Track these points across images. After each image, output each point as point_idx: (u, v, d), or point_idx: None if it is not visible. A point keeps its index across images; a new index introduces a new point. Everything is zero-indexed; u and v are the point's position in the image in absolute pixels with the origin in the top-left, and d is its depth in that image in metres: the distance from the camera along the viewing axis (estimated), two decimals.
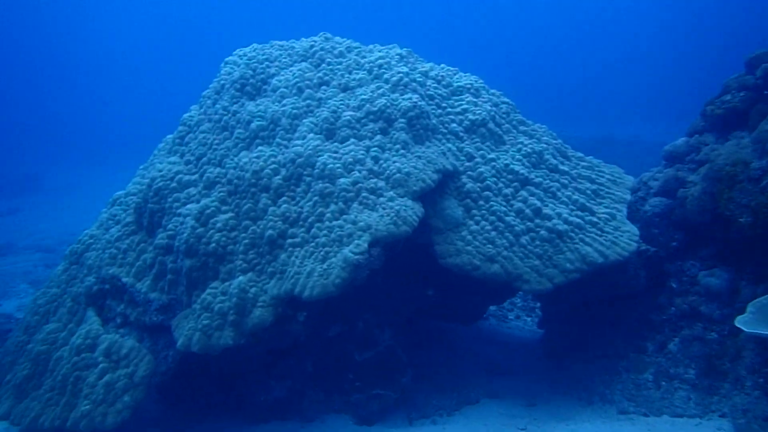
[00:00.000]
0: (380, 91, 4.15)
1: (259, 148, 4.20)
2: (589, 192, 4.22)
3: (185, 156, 4.56)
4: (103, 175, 25.54)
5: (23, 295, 8.78)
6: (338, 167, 3.93)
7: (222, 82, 4.57)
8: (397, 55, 4.49)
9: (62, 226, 15.84)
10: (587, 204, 4.08)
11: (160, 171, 4.42)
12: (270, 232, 3.87)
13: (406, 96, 4.10)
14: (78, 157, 29.40)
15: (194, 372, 4.00)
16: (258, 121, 4.25)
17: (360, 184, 3.86)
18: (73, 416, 3.50)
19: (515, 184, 4.06)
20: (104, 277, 4.30)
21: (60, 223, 16.46)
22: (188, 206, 4.21)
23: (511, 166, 4.11)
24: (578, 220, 3.92)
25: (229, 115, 4.41)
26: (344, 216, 3.78)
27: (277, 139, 4.19)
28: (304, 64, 4.41)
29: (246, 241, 3.93)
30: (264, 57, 4.51)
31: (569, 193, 4.14)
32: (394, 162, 3.96)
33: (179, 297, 4.02)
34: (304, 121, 4.14)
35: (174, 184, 4.36)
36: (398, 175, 3.89)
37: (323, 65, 4.43)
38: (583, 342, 4.22)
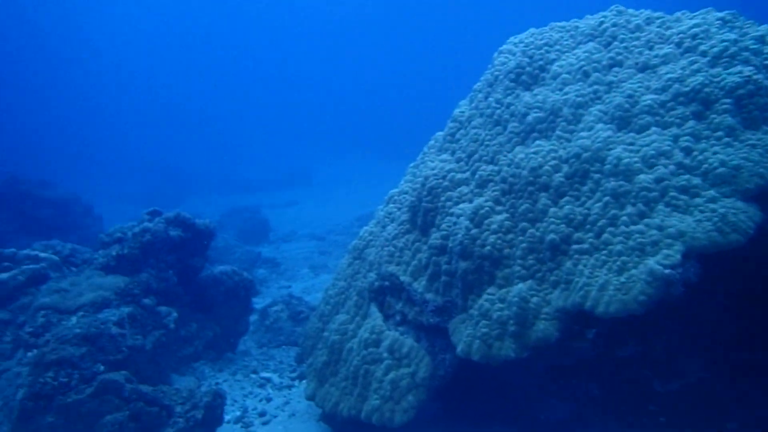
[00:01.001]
0: (694, 67, 3.37)
1: (537, 142, 3.84)
2: None
3: (456, 153, 4.48)
4: (362, 170, 28.62)
5: (306, 279, 10.21)
6: (636, 162, 3.31)
7: (495, 73, 4.34)
8: (717, 20, 3.59)
9: (329, 217, 18.18)
10: None
11: (433, 169, 4.43)
12: (551, 236, 3.49)
13: (734, 69, 3.24)
14: (341, 154, 33.63)
15: (472, 378, 3.90)
16: (535, 112, 3.89)
17: (666, 182, 3.19)
18: (365, 408, 3.72)
19: None
20: (384, 274, 4.51)
21: (327, 213, 18.93)
22: (461, 206, 4.12)
23: None
24: None
25: (503, 108, 4.16)
26: (645, 220, 3.17)
27: (558, 132, 3.77)
28: (590, 44, 3.88)
29: (524, 245, 3.64)
30: (542, 42, 4.13)
31: None
32: (715, 153, 3.16)
33: (454, 299, 3.96)
34: (591, 109, 3.63)
35: (446, 183, 4.32)
36: (722, 169, 3.09)
37: (615, 43, 3.82)
38: None
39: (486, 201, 3.96)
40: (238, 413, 4.86)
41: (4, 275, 5.39)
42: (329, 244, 13.48)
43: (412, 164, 5.24)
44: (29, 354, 4.41)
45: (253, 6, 54.55)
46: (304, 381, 5.51)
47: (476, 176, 4.17)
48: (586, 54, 3.80)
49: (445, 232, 4.13)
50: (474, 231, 3.87)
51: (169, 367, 5.44)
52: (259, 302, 8.25)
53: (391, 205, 5.06)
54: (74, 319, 4.72)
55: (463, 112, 4.59)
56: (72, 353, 4.28)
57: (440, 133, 4.89)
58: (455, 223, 4.05)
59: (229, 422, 4.68)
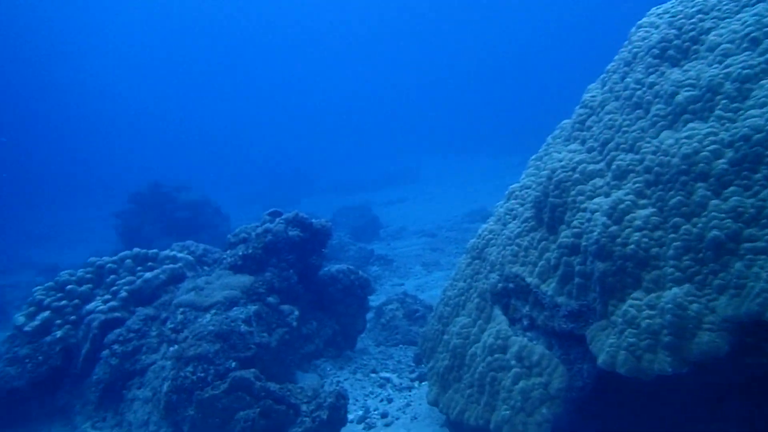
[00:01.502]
0: None
1: (690, 125, 3.32)
2: None
3: (587, 142, 4.06)
4: (469, 165, 28.12)
5: (419, 276, 10.12)
6: None
7: (634, 50, 3.85)
8: None
9: (438, 213, 18.01)
10: None
11: (560, 161, 4.05)
12: (714, 233, 2.98)
13: None
14: (448, 150, 33.37)
15: (614, 392, 3.49)
16: (687, 91, 3.37)
17: None
18: (494, 419, 3.48)
19: None
20: (507, 275, 4.23)
21: (436, 209, 18.78)
22: (596, 200, 3.70)
23: None
24: None
25: (644, 88, 3.67)
26: None
27: (717, 112, 3.22)
28: (760, 5, 3.27)
29: (677, 243, 3.16)
30: (694, 9, 3.57)
31: None
32: None
33: (591, 304, 3.57)
34: (763, 83, 3.04)
35: (576, 175, 3.92)
36: None
37: None
38: None
39: (626, 194, 3.52)
40: (360, 413, 4.86)
41: (149, 274, 5.90)
42: (440, 240, 13.31)
43: (533, 156, 4.87)
44: (171, 349, 4.75)
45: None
46: (424, 383, 5.38)
47: (613, 167, 3.73)
48: (755, 17, 3.20)
49: (577, 230, 3.75)
50: (613, 228, 3.45)
51: (293, 364, 5.60)
52: (374, 300, 8.31)
53: (513, 201, 4.74)
54: (208, 316, 5.01)
55: (594, 96, 4.14)
56: (207, 350, 4.53)
57: (567, 120, 4.48)
58: (589, 220, 3.65)
59: (352, 422, 4.68)
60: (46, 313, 5.47)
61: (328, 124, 49.47)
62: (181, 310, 5.22)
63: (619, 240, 3.41)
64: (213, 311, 5.14)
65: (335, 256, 11.28)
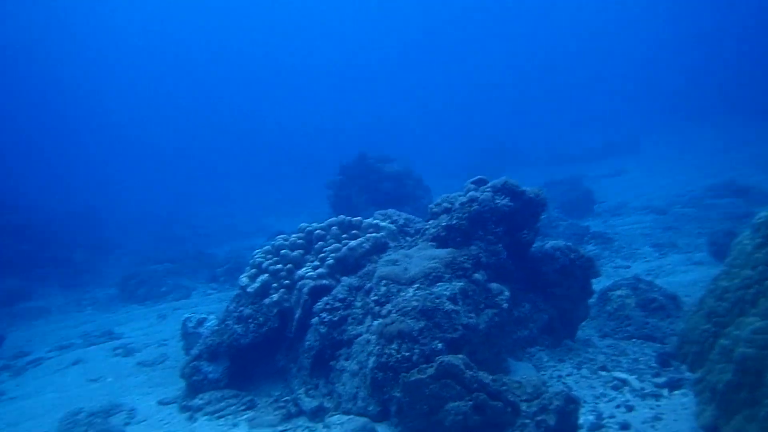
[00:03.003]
0: None
1: None
2: None
3: None
4: (698, 136, 23.61)
5: (650, 259, 8.45)
6: None
7: None
8: None
9: (666, 187, 15.31)
10: None
11: None
12: None
13: None
14: (673, 120, 28.68)
15: None
16: None
17: None
18: None
19: None
20: None
21: (661, 184, 16.00)
22: None
23: None
24: None
25: None
26: None
27: None
28: None
29: None
30: None
31: None
32: None
33: None
34: None
35: None
36: None
37: None
38: None
39: None
40: (590, 418, 3.95)
41: (353, 242, 5.76)
42: (674, 218, 11.12)
43: None
44: (375, 323, 4.46)
45: None
46: (676, 392, 4.23)
47: None
48: None
49: None
50: None
51: (505, 350, 4.90)
52: (594, 283, 7.10)
53: None
54: (411, 291, 4.60)
55: None
56: (411, 327, 4.10)
57: None
58: None
59: (581, 428, 3.80)
60: (265, 276, 5.71)
61: (536, 96, 46.92)
62: (384, 282, 4.91)
63: None
64: (416, 285, 4.71)
65: (543, 231, 10.16)
